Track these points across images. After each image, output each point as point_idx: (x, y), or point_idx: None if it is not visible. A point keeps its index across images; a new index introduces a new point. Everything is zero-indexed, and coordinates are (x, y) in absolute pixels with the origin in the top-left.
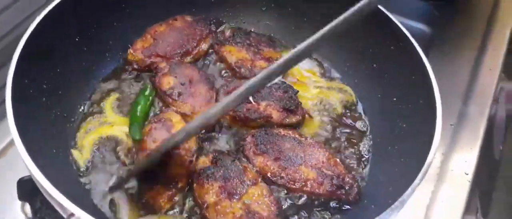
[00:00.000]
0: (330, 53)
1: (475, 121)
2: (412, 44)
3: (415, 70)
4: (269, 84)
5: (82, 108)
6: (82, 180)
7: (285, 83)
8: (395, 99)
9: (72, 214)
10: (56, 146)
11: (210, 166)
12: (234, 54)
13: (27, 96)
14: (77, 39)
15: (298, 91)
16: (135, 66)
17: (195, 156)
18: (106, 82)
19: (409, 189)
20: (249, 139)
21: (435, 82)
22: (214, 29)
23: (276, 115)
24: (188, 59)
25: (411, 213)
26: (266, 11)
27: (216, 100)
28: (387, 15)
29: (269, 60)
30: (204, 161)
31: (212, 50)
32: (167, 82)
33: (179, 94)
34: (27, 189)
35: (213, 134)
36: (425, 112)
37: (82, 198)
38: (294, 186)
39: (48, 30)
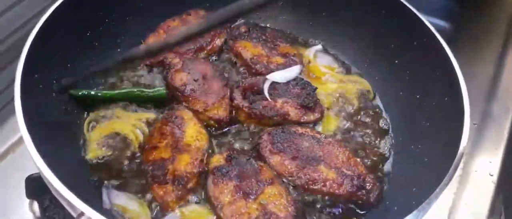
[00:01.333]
0: (349, 49)
1: (499, 121)
2: (437, 39)
3: (439, 66)
4: (286, 80)
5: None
6: (92, 177)
7: (303, 79)
8: (418, 96)
9: (82, 214)
10: (66, 143)
11: (225, 165)
12: (249, 49)
13: (36, 92)
14: (88, 34)
15: (316, 88)
16: (147, 62)
17: (206, 155)
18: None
19: (438, 189)
20: (265, 137)
21: (462, 79)
22: (228, 25)
23: (293, 113)
24: (202, 55)
25: (434, 216)
26: (283, 6)
27: (230, 98)
28: (410, 10)
29: (285, 55)
30: (218, 160)
31: (226, 46)
32: (180, 79)
33: (192, 90)
34: (35, 187)
35: (226, 131)
36: (451, 110)
37: (92, 196)
38: (313, 187)
39: (58, 25)
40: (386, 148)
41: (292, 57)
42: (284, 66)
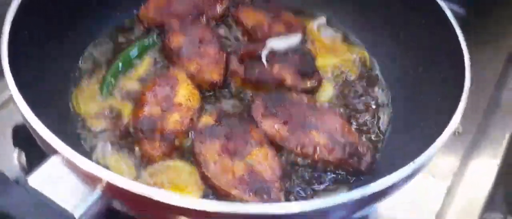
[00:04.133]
0: (353, 22)
1: (508, 108)
2: (448, 20)
3: (447, 46)
4: (284, 48)
5: (81, 63)
6: (78, 131)
7: (303, 48)
8: (421, 69)
9: (55, 151)
10: (55, 97)
11: (214, 124)
12: (251, 17)
13: (26, 44)
14: None
15: (315, 57)
16: (146, 25)
17: (196, 115)
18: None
19: (431, 147)
20: (258, 100)
21: (467, 51)
22: None
23: (289, 79)
24: (202, 20)
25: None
26: None
27: (226, 63)
28: None
29: (288, 25)
30: (207, 119)
31: (227, 13)
32: (177, 40)
33: (187, 52)
34: (23, 137)
35: (221, 96)
36: (452, 86)
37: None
38: (303, 151)
39: None
40: (383, 119)
41: (294, 27)
42: (286, 35)
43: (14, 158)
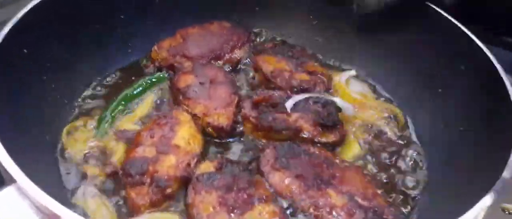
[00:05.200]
0: (385, 76)
1: None
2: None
3: (494, 94)
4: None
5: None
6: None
7: (326, 97)
8: (462, 128)
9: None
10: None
11: (214, 172)
12: (272, 63)
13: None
14: (97, 27)
15: (340, 109)
16: (157, 65)
17: (195, 160)
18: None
19: None
20: (268, 150)
21: None
22: (253, 39)
23: (308, 130)
24: (219, 64)
25: None
26: (317, 25)
27: (238, 107)
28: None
29: (312, 73)
30: (207, 166)
31: (246, 61)
32: (185, 80)
33: (194, 92)
34: None
35: (229, 144)
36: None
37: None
38: (317, 213)
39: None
40: (415, 183)
41: (319, 75)
42: (308, 83)
43: None
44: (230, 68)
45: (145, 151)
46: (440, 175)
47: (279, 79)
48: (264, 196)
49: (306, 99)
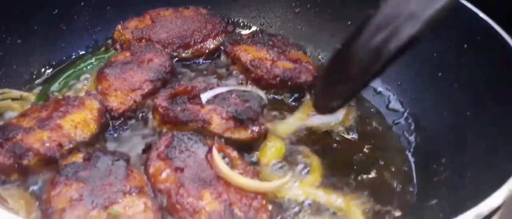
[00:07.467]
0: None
1: None
2: None
3: None
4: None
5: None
6: None
7: (257, 92)
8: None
9: None
10: None
11: (79, 163)
12: (250, 52)
13: None
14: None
15: (266, 104)
16: (118, 47)
17: (72, 146)
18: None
19: None
20: (164, 138)
21: None
22: (230, 29)
23: (216, 123)
24: (186, 53)
25: None
26: (300, 13)
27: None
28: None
29: (296, 62)
30: (74, 157)
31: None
32: (116, 57)
33: (113, 72)
34: None
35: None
36: None
37: None
38: (183, 214)
39: None
40: None
41: (304, 63)
42: (292, 71)
43: None
44: (202, 59)
45: (25, 121)
46: None
47: (260, 69)
48: (136, 188)
49: (230, 92)
